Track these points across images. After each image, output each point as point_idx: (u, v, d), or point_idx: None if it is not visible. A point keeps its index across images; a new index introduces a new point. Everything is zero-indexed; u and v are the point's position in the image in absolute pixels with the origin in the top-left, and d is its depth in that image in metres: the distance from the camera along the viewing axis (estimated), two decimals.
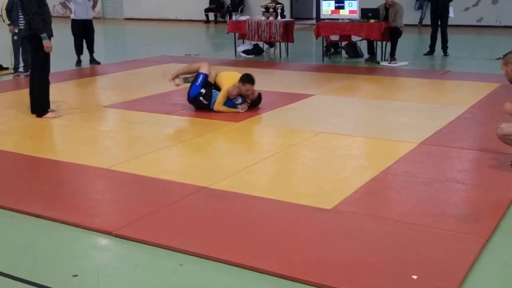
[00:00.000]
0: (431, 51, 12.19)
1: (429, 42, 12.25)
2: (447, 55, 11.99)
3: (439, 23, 11.95)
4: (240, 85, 7.10)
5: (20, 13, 8.68)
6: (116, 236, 3.84)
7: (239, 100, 7.16)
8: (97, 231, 3.92)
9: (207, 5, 22.07)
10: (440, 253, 3.55)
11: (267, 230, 3.90)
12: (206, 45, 16.57)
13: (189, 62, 10.28)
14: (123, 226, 3.93)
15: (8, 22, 9.75)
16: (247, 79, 7.16)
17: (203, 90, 7.12)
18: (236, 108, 7.13)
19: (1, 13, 9.82)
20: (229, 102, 7.14)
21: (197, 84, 7.15)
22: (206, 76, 7.21)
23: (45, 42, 6.83)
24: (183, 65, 8.46)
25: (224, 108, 7.09)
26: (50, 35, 7.00)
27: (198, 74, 7.26)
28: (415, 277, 3.24)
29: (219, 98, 7.07)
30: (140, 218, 4.08)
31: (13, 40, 9.90)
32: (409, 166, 5.11)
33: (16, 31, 9.59)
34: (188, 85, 7.32)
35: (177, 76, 7.62)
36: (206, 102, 7.13)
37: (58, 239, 3.88)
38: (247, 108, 7.19)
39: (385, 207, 4.31)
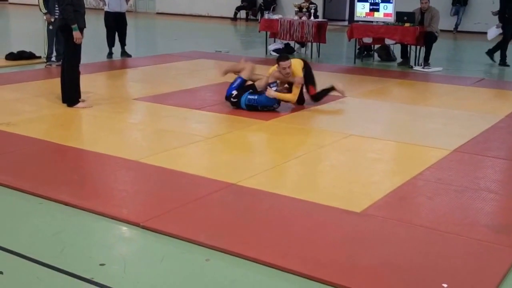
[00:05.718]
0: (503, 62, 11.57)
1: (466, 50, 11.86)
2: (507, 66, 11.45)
3: None
4: (276, 68, 7.32)
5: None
6: (144, 227, 3.83)
7: (275, 86, 7.24)
8: (124, 222, 3.92)
9: (239, 3, 22.08)
10: (471, 263, 3.48)
11: (294, 229, 3.86)
12: (237, 43, 16.54)
13: (218, 59, 10.31)
14: (150, 218, 3.92)
15: (45, 11, 9.82)
16: (280, 57, 7.41)
17: (234, 92, 7.24)
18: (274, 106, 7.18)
19: (38, 2, 9.90)
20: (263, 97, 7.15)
21: (233, 86, 7.32)
22: (243, 81, 7.37)
23: (75, 34, 6.86)
24: (229, 63, 8.61)
25: (277, 94, 7.15)
26: (83, 26, 7.03)
27: (237, 77, 7.43)
28: (445, 285, 3.16)
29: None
30: (167, 211, 4.06)
31: (48, 30, 9.97)
32: (441, 173, 5.01)
33: (52, 20, 9.66)
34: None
35: (226, 73, 7.89)
36: (234, 100, 7.19)
37: (85, 228, 3.88)
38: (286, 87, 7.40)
39: (415, 213, 4.23)
